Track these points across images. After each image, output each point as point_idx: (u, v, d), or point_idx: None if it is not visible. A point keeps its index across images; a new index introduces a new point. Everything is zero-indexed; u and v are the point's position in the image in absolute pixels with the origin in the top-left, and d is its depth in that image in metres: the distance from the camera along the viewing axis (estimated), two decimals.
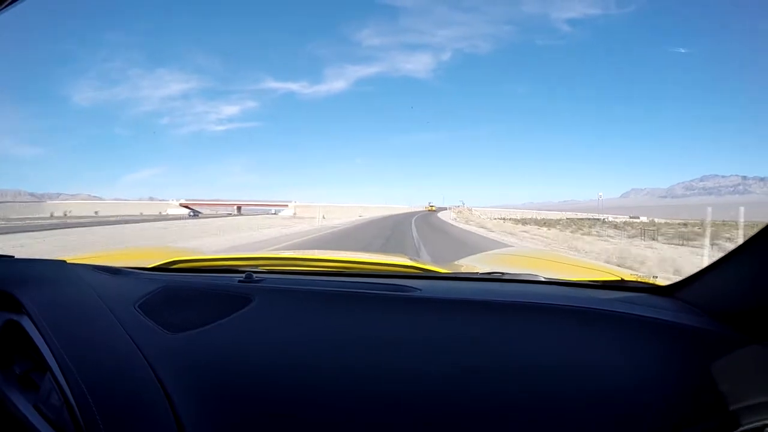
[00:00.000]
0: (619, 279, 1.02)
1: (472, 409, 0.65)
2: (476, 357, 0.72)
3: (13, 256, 1.16)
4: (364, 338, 0.80)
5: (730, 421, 0.58)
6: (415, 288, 0.93)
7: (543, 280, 1.05)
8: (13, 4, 1.06)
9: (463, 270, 1.36)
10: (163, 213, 71.04)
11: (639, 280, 0.99)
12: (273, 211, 74.23)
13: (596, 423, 0.61)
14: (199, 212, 76.85)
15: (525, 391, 0.66)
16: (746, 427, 0.58)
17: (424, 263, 1.27)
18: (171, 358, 0.79)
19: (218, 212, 79.07)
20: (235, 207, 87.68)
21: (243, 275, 1.04)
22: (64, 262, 1.17)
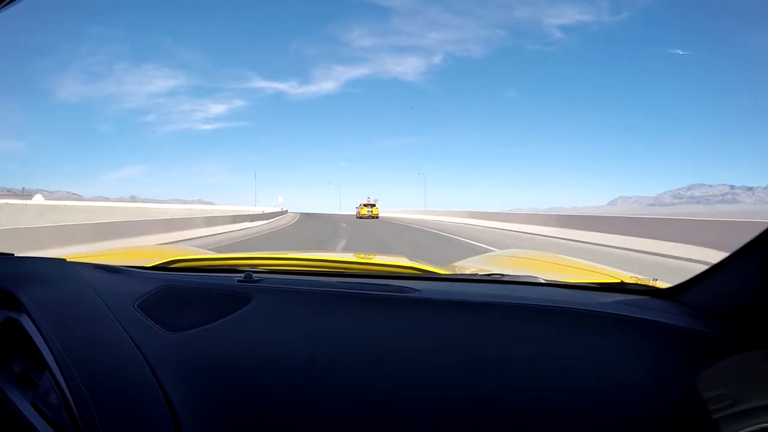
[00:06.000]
0: (619, 281, 1.02)
1: (471, 411, 0.65)
2: (476, 359, 0.72)
3: (13, 254, 1.16)
4: (363, 339, 0.80)
5: (730, 423, 0.58)
6: (415, 289, 0.93)
7: (542, 282, 1.05)
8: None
9: (462, 271, 1.37)
10: None
11: (639, 282, 0.99)
12: None
13: (595, 425, 0.61)
14: None
15: (524, 393, 0.66)
16: (745, 430, 0.58)
17: (423, 264, 1.27)
18: (170, 357, 0.79)
19: None
20: None
21: (242, 275, 1.04)
22: (64, 260, 1.17)
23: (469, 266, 1.56)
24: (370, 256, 1.71)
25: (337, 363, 0.75)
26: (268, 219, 26.19)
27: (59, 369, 0.76)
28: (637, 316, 0.76)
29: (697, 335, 0.70)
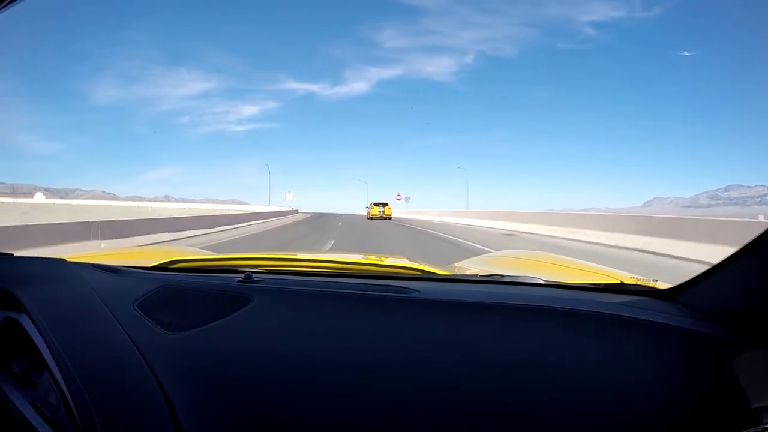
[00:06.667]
0: (619, 282, 1.02)
1: (470, 411, 0.65)
2: (475, 359, 0.72)
3: (13, 254, 1.17)
4: (362, 339, 0.80)
5: (731, 424, 0.58)
6: (414, 289, 0.93)
7: (542, 282, 1.05)
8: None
9: (461, 272, 1.36)
10: None
11: (639, 283, 0.98)
12: None
13: (595, 426, 0.61)
14: None
15: (524, 394, 0.66)
16: (746, 431, 0.58)
17: (423, 265, 1.27)
18: (169, 357, 0.79)
19: None
20: None
21: (242, 275, 1.04)
22: (64, 260, 1.17)
23: (469, 267, 1.55)
24: (370, 257, 1.71)
25: (337, 363, 0.75)
26: (232, 224, 19.13)
27: (58, 369, 0.76)
28: (636, 316, 0.76)
29: (697, 336, 0.70)
